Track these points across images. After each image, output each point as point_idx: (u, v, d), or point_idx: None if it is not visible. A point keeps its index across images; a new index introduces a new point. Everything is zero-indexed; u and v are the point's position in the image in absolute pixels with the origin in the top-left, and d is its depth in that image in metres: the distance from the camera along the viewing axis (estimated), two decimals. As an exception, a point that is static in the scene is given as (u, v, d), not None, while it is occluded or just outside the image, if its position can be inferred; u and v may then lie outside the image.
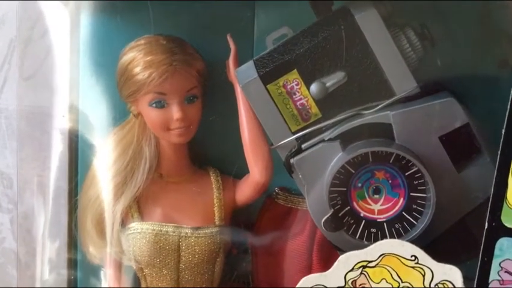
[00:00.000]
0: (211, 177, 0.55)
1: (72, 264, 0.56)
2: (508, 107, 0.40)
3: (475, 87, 0.49)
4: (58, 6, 0.56)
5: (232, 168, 0.55)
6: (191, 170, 0.56)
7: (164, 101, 0.52)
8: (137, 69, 0.51)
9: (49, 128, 0.58)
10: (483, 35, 0.49)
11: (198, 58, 0.53)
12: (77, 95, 0.57)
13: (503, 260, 0.42)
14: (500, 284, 0.42)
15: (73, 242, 0.56)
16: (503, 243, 0.42)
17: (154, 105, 0.52)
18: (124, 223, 0.54)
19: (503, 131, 0.41)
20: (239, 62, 0.54)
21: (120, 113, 0.55)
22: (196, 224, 0.53)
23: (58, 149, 0.57)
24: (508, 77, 0.42)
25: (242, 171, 0.54)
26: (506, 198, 0.41)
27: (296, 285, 0.46)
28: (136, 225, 0.53)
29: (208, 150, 0.57)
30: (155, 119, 0.52)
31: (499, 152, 0.41)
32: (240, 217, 0.57)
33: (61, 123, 0.57)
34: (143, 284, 0.54)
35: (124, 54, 0.53)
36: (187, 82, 0.52)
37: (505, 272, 0.42)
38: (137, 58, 0.51)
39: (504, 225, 0.41)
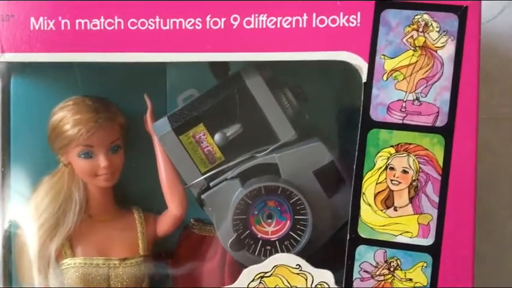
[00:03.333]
0: (135, 214, 0.60)
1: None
2: (357, 148, 0.50)
3: (338, 133, 0.58)
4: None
5: (153, 206, 0.60)
6: (116, 209, 0.60)
7: (91, 152, 0.57)
8: (67, 127, 0.56)
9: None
10: (344, 93, 0.58)
11: (119, 114, 0.59)
12: (9, 148, 0.59)
13: (362, 262, 0.50)
14: (361, 281, 0.51)
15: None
16: (361, 249, 0.50)
17: (82, 156, 0.57)
18: (57, 260, 0.57)
19: (355, 166, 0.50)
20: (155, 116, 0.59)
21: (50, 163, 0.59)
22: (123, 255, 0.58)
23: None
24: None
25: (161, 208, 0.59)
26: (360, 215, 0.50)
27: (211, 300, 0.51)
28: (69, 261, 0.58)
29: (131, 192, 0.61)
30: (84, 168, 0.57)
31: (352, 182, 0.50)
32: (161, 247, 0.60)
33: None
34: (77, 312, 0.57)
35: (54, 113, 0.58)
36: (111, 135, 0.57)
37: (364, 271, 0.50)
38: (67, 117, 0.57)
39: (360, 236, 0.50)
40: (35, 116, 0.59)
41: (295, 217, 0.54)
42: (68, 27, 0.52)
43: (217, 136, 0.56)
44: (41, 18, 0.52)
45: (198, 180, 0.56)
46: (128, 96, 0.59)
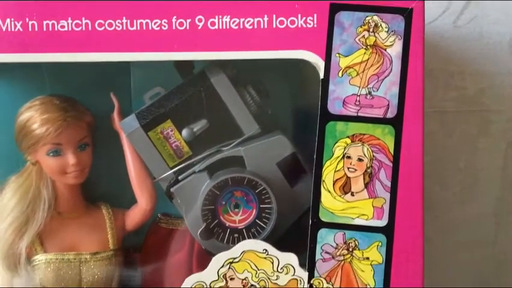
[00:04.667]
0: (103, 210, 0.61)
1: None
2: (316, 139, 0.53)
3: (299, 126, 0.61)
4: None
5: (123, 201, 0.61)
6: (85, 205, 0.61)
7: (60, 150, 0.58)
8: (35, 126, 0.57)
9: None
10: (303, 89, 0.61)
11: (87, 113, 0.59)
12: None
13: (323, 244, 0.53)
14: (323, 262, 0.54)
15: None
16: (322, 232, 0.53)
17: (51, 154, 0.57)
18: (28, 257, 0.58)
19: (315, 156, 0.52)
20: (122, 114, 0.60)
21: (17, 162, 0.59)
22: (93, 250, 0.59)
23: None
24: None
25: (130, 204, 0.61)
26: (321, 201, 0.53)
27: (181, 289, 0.53)
28: (40, 257, 0.58)
29: (100, 188, 0.62)
30: (53, 166, 0.58)
31: (313, 171, 0.53)
32: (129, 241, 0.62)
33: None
34: (49, 307, 0.58)
35: (21, 114, 0.58)
36: (78, 133, 0.58)
37: (325, 252, 0.53)
38: (35, 116, 0.57)
39: (322, 220, 0.53)
40: (2, 116, 0.60)
41: (261, 206, 0.56)
42: (36, 29, 0.52)
43: (184, 132, 0.57)
44: (8, 20, 0.52)
45: (166, 174, 0.58)
46: (95, 95, 0.60)
